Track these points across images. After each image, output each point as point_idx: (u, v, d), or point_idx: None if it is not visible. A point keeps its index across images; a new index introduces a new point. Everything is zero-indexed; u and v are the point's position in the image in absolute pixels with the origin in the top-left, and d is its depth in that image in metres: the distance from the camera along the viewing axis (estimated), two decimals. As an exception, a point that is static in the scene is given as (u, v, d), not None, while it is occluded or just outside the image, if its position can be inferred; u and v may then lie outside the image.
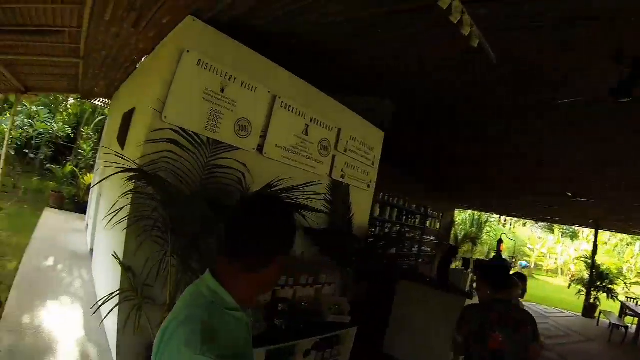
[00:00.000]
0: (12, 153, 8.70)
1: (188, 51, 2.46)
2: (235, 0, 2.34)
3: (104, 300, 2.29)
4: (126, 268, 2.31)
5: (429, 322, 3.97)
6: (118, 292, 2.28)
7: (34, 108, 9.90)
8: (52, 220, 6.59)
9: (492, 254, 15.06)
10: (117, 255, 2.39)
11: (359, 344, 3.21)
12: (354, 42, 2.73)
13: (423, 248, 9.52)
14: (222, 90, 2.66)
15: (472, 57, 2.40)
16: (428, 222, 9.63)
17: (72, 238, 5.61)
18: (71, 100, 11.19)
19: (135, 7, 2.67)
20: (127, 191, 2.21)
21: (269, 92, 2.96)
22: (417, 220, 9.02)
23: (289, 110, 3.15)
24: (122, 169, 2.13)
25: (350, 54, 2.97)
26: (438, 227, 10.52)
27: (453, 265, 6.20)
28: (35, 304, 3.12)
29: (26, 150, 9.98)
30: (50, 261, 4.31)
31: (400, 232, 7.55)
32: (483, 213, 15.78)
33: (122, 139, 3.49)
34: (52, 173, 9.39)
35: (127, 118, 3.51)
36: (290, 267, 2.87)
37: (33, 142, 10.01)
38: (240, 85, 2.76)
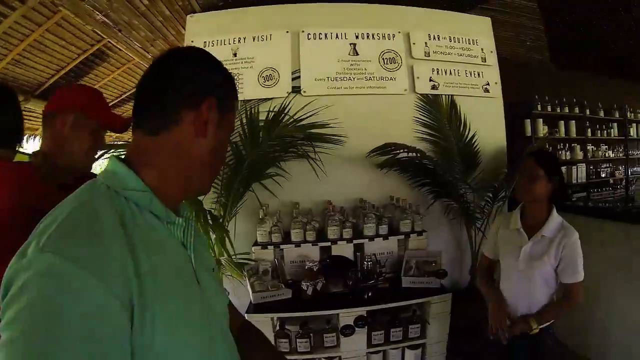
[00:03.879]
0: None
1: (192, 41, 2.64)
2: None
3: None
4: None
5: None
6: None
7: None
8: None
9: None
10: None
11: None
12: None
13: (635, 169, 6.32)
14: (235, 55, 2.62)
15: None
16: (631, 130, 6.30)
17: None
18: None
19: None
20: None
21: (287, 32, 2.68)
22: (613, 131, 5.99)
23: (320, 39, 2.72)
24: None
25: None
26: (651, 132, 6.77)
27: None
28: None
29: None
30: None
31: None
32: None
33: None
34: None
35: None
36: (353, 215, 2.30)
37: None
38: (252, 41, 2.64)
